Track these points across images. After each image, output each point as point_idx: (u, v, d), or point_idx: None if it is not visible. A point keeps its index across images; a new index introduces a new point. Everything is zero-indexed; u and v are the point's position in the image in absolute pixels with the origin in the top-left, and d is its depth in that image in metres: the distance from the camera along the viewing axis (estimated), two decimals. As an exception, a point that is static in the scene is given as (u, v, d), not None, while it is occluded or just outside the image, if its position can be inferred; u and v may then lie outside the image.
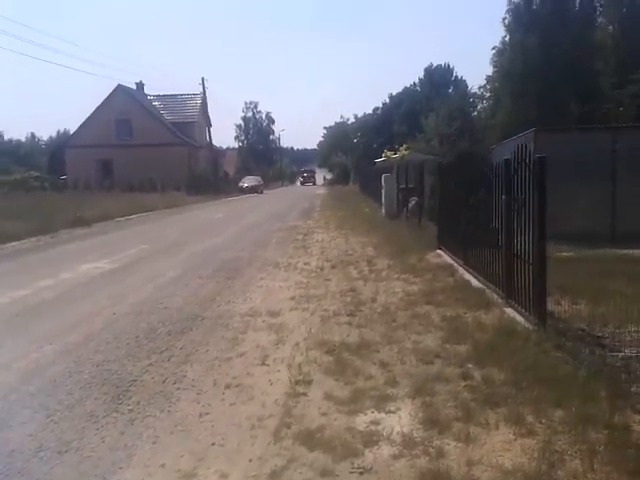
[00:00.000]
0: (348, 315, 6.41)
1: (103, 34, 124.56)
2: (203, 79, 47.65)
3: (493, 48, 40.64)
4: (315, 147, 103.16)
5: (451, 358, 4.86)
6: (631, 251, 8.93)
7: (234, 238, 14.19)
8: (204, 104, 51.92)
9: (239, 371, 4.78)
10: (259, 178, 55.57)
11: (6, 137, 76.90)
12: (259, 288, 8.16)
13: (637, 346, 4.80)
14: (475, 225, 8.06)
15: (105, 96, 47.75)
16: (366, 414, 3.87)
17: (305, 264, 10.06)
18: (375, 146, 64.12)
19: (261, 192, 50.15)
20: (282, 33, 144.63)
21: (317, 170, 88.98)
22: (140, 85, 52.09)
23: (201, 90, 48.51)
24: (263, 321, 6.33)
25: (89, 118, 47.91)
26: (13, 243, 13.14)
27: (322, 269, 9.47)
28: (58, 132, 78.09)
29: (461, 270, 8.62)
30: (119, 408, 4.08)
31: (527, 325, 5.62)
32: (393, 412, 3.89)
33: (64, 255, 11.71)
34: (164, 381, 4.59)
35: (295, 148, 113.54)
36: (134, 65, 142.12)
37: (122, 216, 20.16)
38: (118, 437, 3.66)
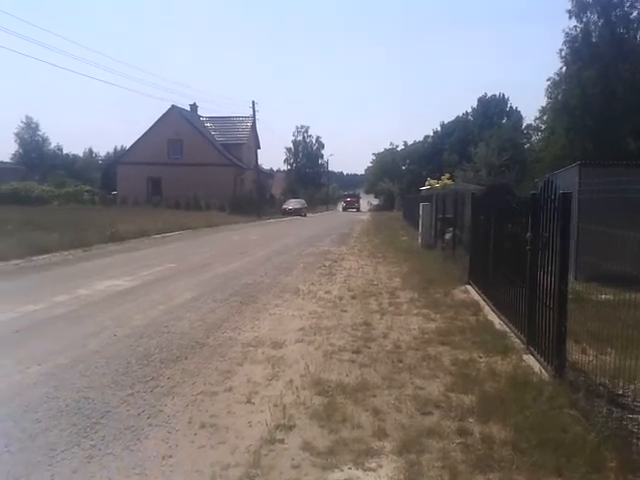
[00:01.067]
0: (354, 352, 6.01)
1: (165, 58, 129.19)
2: (254, 102, 48.36)
3: (548, 79, 39.81)
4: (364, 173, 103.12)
5: (452, 409, 4.40)
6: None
7: (261, 261, 13.97)
8: (254, 127, 52.80)
9: (220, 409, 4.45)
10: (303, 201, 55.68)
11: (65, 151, 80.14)
12: (270, 316, 7.85)
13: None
14: (502, 261, 7.54)
15: (159, 116, 49.31)
16: (342, 470, 3.47)
17: (326, 293, 9.70)
18: (424, 174, 63.56)
19: (304, 215, 50.18)
20: (335, 58, 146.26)
21: (363, 195, 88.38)
22: (194, 107, 53.50)
23: (251, 113, 49.12)
24: (263, 353, 6.01)
25: (143, 136, 49.44)
26: (44, 256, 13.30)
27: (341, 299, 9.09)
28: (115, 149, 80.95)
29: (487, 309, 8.08)
30: (82, 442, 3.81)
31: (544, 376, 5.10)
32: (372, 470, 3.47)
33: (89, 270, 11.72)
34: (139, 414, 4.30)
35: (345, 173, 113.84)
36: (190, 88, 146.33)
37: (159, 233, 20.34)
38: (69, 476, 3.38)
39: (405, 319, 7.65)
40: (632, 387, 4.77)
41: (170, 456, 3.66)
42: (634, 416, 4.16)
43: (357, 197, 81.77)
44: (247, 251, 16.20)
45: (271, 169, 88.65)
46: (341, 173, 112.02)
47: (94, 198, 44.01)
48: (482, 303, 8.48)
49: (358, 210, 73.41)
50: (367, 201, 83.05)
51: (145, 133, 49.24)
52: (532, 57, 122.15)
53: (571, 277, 9.89)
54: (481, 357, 5.84)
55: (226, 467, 3.50)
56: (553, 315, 5.11)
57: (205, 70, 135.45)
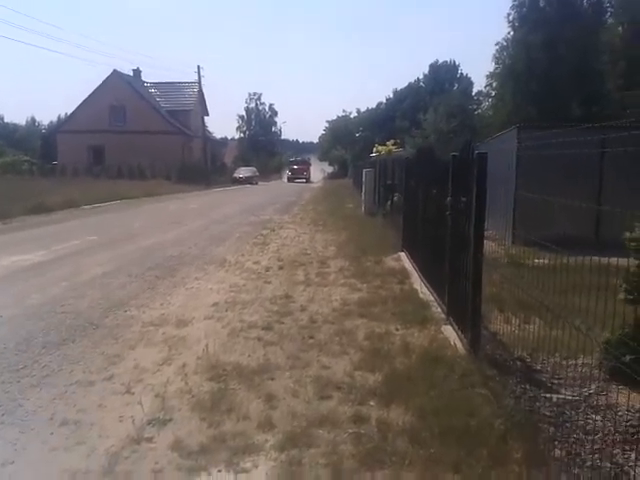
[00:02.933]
0: (264, 329, 5.53)
1: (108, 23, 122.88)
2: (199, 67, 46.59)
3: (496, 44, 39.56)
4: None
5: (354, 392, 3.97)
6: (615, 259, 8.03)
7: (194, 231, 13.29)
8: (200, 92, 50.95)
9: (92, 401, 3.90)
10: (254, 169, 54.58)
11: (6, 120, 76.07)
12: (186, 291, 7.28)
13: (579, 386, 3.89)
14: (427, 227, 7.16)
15: (100, 82, 46.97)
16: (210, 474, 3.00)
17: (254, 263, 9.18)
18: (376, 141, 63.06)
19: (256, 183, 49.22)
20: (286, 25, 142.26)
21: (316, 162, 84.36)
22: (137, 72, 51.16)
23: (196, 79, 47.38)
24: (163, 333, 5.46)
25: (83, 103, 47.03)
26: (-45, 229, 12.30)
27: (268, 270, 8.59)
28: (59, 117, 77.22)
29: (414, 277, 7.73)
30: None
31: (459, 350, 4.75)
32: (246, 471, 3.02)
33: (4, 244, 10.85)
34: (-7, 411, 3.72)
35: (300, 141, 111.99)
36: (135, 54, 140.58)
37: (90, 204, 19.28)
38: None
39: (329, 290, 7.22)
40: (552, 361, 4.47)
41: (12, 462, 3.12)
42: (549, 395, 3.82)
43: (307, 164, 64.10)
44: (182, 221, 15.45)
45: (225, 137, 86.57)
46: (296, 141, 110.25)
47: (32, 168, 41.88)
48: (411, 271, 8.13)
49: (308, 181, 58.08)
50: (321, 169, 79.92)
51: (85, 100, 46.80)
52: (482, 22, 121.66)
53: (508, 241, 9.71)
54: (398, 329, 5.45)
55: (73, 475, 2.98)
56: (469, 283, 4.73)
57: (151, 35, 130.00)
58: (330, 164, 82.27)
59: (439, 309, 6.03)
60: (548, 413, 3.55)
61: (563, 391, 3.88)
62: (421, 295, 6.64)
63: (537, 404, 3.69)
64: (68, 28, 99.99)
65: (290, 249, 10.68)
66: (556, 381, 4.09)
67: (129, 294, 7.02)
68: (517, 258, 7.12)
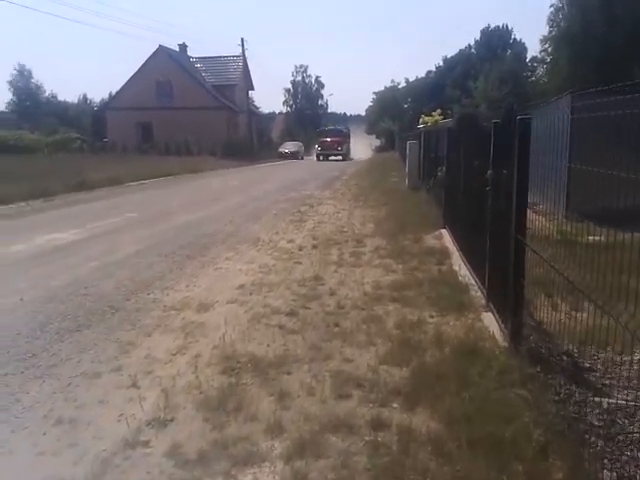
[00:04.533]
0: (287, 314, 5.18)
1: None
2: (242, 40, 46.27)
3: (551, 6, 37.34)
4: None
5: (376, 390, 3.58)
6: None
7: (232, 208, 13.05)
8: (245, 66, 50.57)
9: (93, 396, 3.65)
10: (300, 144, 54.05)
11: (60, 98, 77.78)
12: (214, 271, 7.01)
13: (635, 388, 3.37)
14: (469, 203, 6.60)
15: (146, 58, 47.24)
16: (204, 487, 2.68)
17: (288, 242, 8.83)
18: (424, 112, 61.33)
19: (301, 158, 48.85)
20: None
21: (361, 135, 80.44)
22: (183, 47, 51.18)
23: (241, 52, 47.00)
24: (183, 318, 5.19)
25: (130, 80, 47.47)
26: (-1, 207, 12.46)
27: (301, 249, 8.23)
28: (110, 94, 78.51)
29: (455, 257, 7.21)
30: None
31: (500, 341, 4.28)
32: (244, 485, 2.68)
33: (39, 223, 10.89)
34: (-10, 405, 3.52)
35: (348, 114, 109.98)
36: (181, 28, 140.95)
37: (135, 180, 19.35)
38: None
39: (362, 272, 6.80)
40: (604, 356, 3.94)
41: (-5, 468, 2.88)
42: (599, 399, 3.32)
43: (343, 136, 49.03)
44: (221, 197, 15.26)
45: (273, 112, 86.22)
46: (344, 114, 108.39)
47: (82, 146, 42.72)
48: (452, 250, 7.61)
49: (345, 158, 45.80)
50: (369, 143, 77.10)
51: (132, 76, 47.21)
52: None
53: (561, 215, 9.02)
54: (432, 317, 5.01)
55: (56, 485, 2.72)
56: (510, 269, 4.22)
57: (196, 9, 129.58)
58: (377, 137, 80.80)
59: (479, 293, 5.54)
60: (597, 422, 3.06)
61: (616, 394, 3.37)
62: (460, 278, 6.14)
63: (585, 410, 3.20)
64: (114, 4, 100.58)
65: (326, 227, 10.28)
66: (608, 382, 3.58)
67: (156, 275, 6.81)
68: (569, 235, 6.53)
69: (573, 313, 4.69)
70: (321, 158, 44.94)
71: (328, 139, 46.05)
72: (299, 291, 5.98)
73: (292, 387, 3.69)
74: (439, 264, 6.88)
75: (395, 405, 3.40)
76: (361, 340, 4.49)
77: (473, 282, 5.90)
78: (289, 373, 3.91)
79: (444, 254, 7.41)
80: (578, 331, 3.99)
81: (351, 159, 46.91)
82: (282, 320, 5.04)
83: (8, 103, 71.42)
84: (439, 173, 12.85)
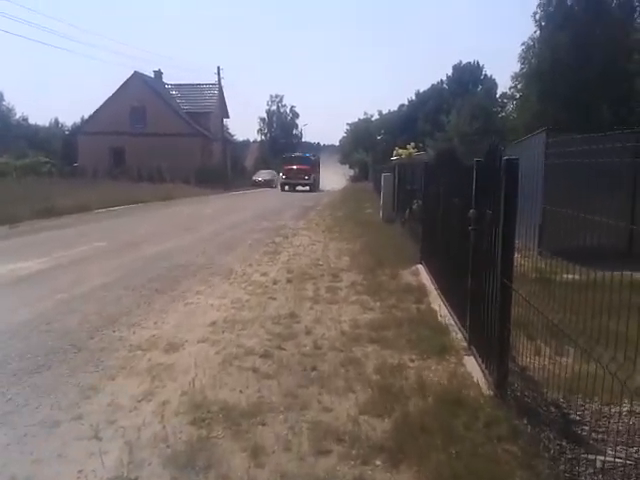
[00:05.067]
0: (262, 356, 4.94)
1: (127, 24, 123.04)
2: (219, 68, 46.41)
3: (522, 44, 38.50)
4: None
5: (358, 445, 3.35)
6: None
7: (205, 238, 12.77)
8: (221, 94, 50.64)
9: (50, 450, 3.34)
10: (274, 172, 54.08)
11: (31, 122, 76.60)
12: (184, 307, 6.73)
13: (626, 444, 3.22)
14: (448, 240, 6.50)
15: (121, 83, 46.96)
16: None
17: (262, 275, 8.60)
18: (397, 144, 62.08)
19: (275, 187, 48.76)
20: (307, 26, 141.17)
21: (338, 166, 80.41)
22: (158, 73, 51.12)
23: (217, 80, 47.15)
24: (150, 359, 4.90)
25: (103, 105, 47.05)
26: (-41, 234, 11.96)
27: (275, 283, 8.00)
28: (82, 119, 77.73)
29: (433, 295, 7.08)
30: None
31: (484, 389, 4.10)
32: None
33: (4, 250, 10.46)
34: None
35: (322, 144, 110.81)
36: (156, 55, 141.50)
37: (103, 207, 18.91)
38: None
39: (339, 309, 6.60)
40: (592, 407, 3.79)
41: None
42: (592, 457, 3.15)
43: (312, 164, 43.97)
44: (194, 227, 14.96)
45: (247, 140, 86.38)
46: (318, 144, 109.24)
47: (52, 170, 41.93)
48: (430, 287, 7.48)
49: (314, 189, 41.83)
50: (343, 173, 76.72)
51: (106, 101, 46.82)
52: (508, 22, 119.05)
53: (534, 252, 9.00)
54: (413, 360, 4.82)
55: None
56: (494, 313, 4.08)
57: (171, 38, 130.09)
58: (351, 167, 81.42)
59: (460, 335, 5.38)
60: (594, 484, 2.89)
61: (609, 451, 3.21)
62: (440, 318, 5.99)
63: (578, 469, 3.03)
64: (90, 29, 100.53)
65: (301, 259, 10.08)
66: (599, 435, 3.42)
67: (123, 310, 6.49)
68: (545, 272, 6.48)
69: (557, 358, 4.58)
70: (286, 188, 40.58)
71: (294, 167, 41.15)
72: (274, 330, 5.74)
73: (267, 441, 3.44)
74: (417, 302, 6.73)
75: (378, 462, 3.18)
76: (340, 386, 4.27)
77: (453, 323, 5.75)
78: (264, 424, 3.66)
79: (422, 292, 7.27)
80: (563, 378, 3.85)
81: (321, 190, 43.16)
82: (256, 362, 4.79)
83: (-22, 125, 70.13)
84: (414, 206, 12.85)
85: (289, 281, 8.14)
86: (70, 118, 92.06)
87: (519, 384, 4.21)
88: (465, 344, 5.11)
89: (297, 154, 48.50)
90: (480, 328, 4.62)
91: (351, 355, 4.96)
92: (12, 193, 20.09)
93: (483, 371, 4.40)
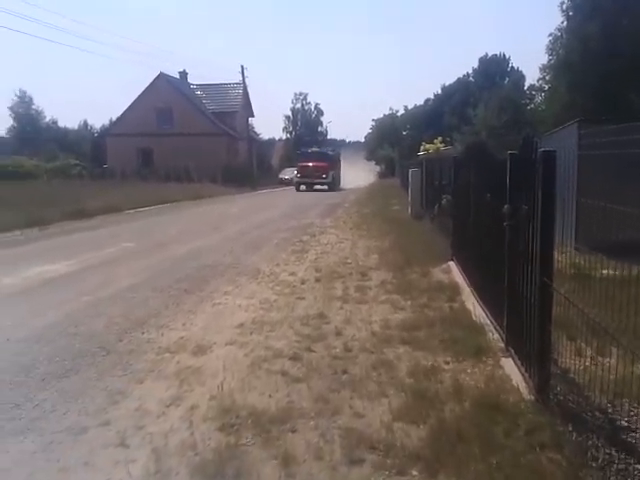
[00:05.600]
0: (291, 358, 4.82)
1: (153, 25, 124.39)
2: (243, 67, 46.56)
3: (549, 35, 37.66)
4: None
5: (393, 454, 3.20)
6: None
7: (232, 237, 12.74)
8: (245, 93, 50.88)
9: (76, 457, 3.27)
10: (299, 170, 53.90)
11: (60, 124, 77.96)
12: (212, 307, 6.66)
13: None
14: (481, 236, 6.29)
15: (147, 85, 47.46)
16: None
17: (290, 274, 8.49)
18: (424, 139, 61.41)
19: (301, 184, 48.66)
20: (331, 22, 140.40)
21: (364, 162, 79.29)
22: (183, 74, 51.57)
23: (241, 79, 47.31)
24: (178, 362, 4.82)
25: (130, 106, 47.66)
26: (-10, 237, 12.14)
27: (303, 282, 7.88)
28: (110, 120, 78.83)
29: (466, 293, 6.87)
30: None
31: (524, 393, 3.91)
32: None
33: (31, 253, 10.57)
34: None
35: (347, 140, 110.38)
36: (182, 56, 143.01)
37: (133, 208, 19.09)
38: None
39: (369, 308, 6.45)
40: (640, 411, 3.57)
41: None
42: (643, 467, 2.95)
43: (330, 160, 39.48)
44: (221, 226, 14.96)
45: (273, 138, 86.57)
46: (343, 140, 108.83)
47: (81, 172, 42.64)
48: (462, 285, 7.26)
49: (333, 187, 37.77)
50: (369, 169, 75.12)
51: (133, 103, 47.44)
52: (534, 13, 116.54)
53: (570, 247, 8.70)
54: (448, 363, 4.64)
55: None
56: (534, 314, 3.88)
57: (196, 37, 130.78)
58: (377, 163, 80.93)
59: (496, 335, 5.18)
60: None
61: (663, 461, 3.00)
62: (475, 317, 5.78)
63: (630, 481, 2.84)
64: (116, 31, 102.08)
65: (329, 257, 9.95)
66: (652, 444, 3.21)
67: (151, 311, 6.45)
68: (583, 268, 6.23)
69: (600, 359, 4.36)
70: (302, 188, 36.59)
71: (310, 164, 36.84)
72: (303, 331, 5.62)
73: (298, 449, 3.31)
74: (450, 301, 6.53)
75: (415, 473, 3.02)
76: (372, 390, 4.12)
77: (489, 322, 5.55)
78: (294, 431, 3.54)
79: (454, 290, 7.07)
80: (609, 381, 3.63)
81: (341, 189, 39.10)
82: (285, 365, 4.67)
83: (9, 129, 71.57)
84: (443, 201, 12.58)
85: (317, 280, 8.02)
86: (99, 120, 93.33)
87: (562, 388, 4.00)
88: (502, 345, 4.91)
89: (314, 149, 43.98)
90: (518, 328, 4.42)
91: (383, 357, 4.80)
92: (43, 195, 20.45)
93: (523, 374, 4.20)
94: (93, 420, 3.74)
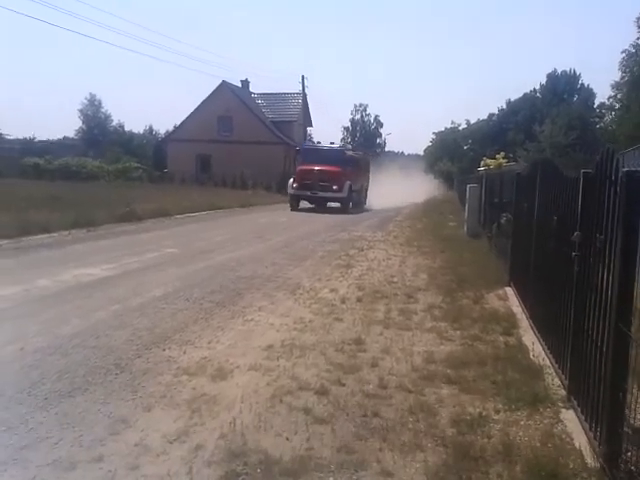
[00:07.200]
0: (317, 392, 4.28)
1: (218, 34, 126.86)
2: (303, 77, 46.65)
3: (623, 52, 35.89)
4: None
5: (422, 532, 2.61)
6: None
7: (276, 248, 12.33)
8: (305, 103, 50.93)
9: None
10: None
11: (127, 129, 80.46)
12: (243, 325, 6.20)
13: None
14: (544, 264, 5.58)
15: (210, 92, 48.24)
16: None
17: (330, 291, 7.97)
18: (486, 154, 59.61)
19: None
20: (393, 33, 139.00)
21: (422, 175, 75.41)
22: (245, 83, 52.17)
23: (301, 89, 47.37)
24: (193, 388, 4.36)
25: (193, 113, 48.52)
26: (40, 236, 12.13)
27: (344, 301, 7.34)
28: (174, 126, 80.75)
29: (524, 326, 6.14)
30: None
31: (588, 459, 3.25)
32: None
33: (73, 254, 10.43)
34: None
35: (406, 153, 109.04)
36: (244, 64, 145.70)
37: (182, 213, 19.01)
38: None
39: (412, 337, 5.83)
40: None
41: None
42: None
43: (348, 163, 25.25)
44: (266, 235, 14.57)
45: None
46: (401, 153, 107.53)
47: (142, 175, 43.70)
48: (520, 316, 6.53)
49: (346, 206, 24.76)
50: (427, 183, 70.64)
51: (195, 109, 48.30)
52: (605, 29, 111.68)
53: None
54: (498, 411, 3.98)
55: None
56: (605, 362, 3.21)
57: (258, 46, 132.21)
58: (435, 177, 79.32)
59: (557, 380, 4.48)
60: None
61: None
62: (533, 357, 5.07)
63: None
64: (181, 39, 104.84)
65: (375, 275, 9.36)
66: None
67: (178, 325, 6.05)
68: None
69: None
70: (296, 205, 24.56)
71: (315, 168, 23.80)
72: (335, 359, 5.08)
73: (308, 515, 2.77)
74: (505, 334, 5.83)
75: None
76: (406, 441, 3.52)
77: (549, 364, 4.84)
78: (308, 489, 3.00)
79: (511, 321, 6.35)
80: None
81: (366, 209, 27.40)
82: (309, 401, 4.13)
83: (77, 130, 74.42)
84: (503, 220, 11.76)
85: (359, 300, 7.45)
86: (163, 126, 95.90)
87: (634, 453, 3.30)
88: (564, 393, 4.22)
89: (320, 144, 29.53)
90: (584, 376, 3.73)
91: (422, 399, 4.19)
92: (99, 196, 20.79)
93: (587, 433, 3.52)
94: (85, 454, 3.31)
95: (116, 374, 4.61)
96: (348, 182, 24.41)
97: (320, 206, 24.76)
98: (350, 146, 30.36)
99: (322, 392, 4.28)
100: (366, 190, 29.87)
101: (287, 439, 3.54)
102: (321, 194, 24.07)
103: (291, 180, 25.34)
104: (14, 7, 68.11)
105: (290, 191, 25.06)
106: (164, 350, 5.25)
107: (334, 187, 23.69)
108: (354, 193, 25.87)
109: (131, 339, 5.52)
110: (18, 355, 4.94)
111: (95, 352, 5.10)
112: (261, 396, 4.21)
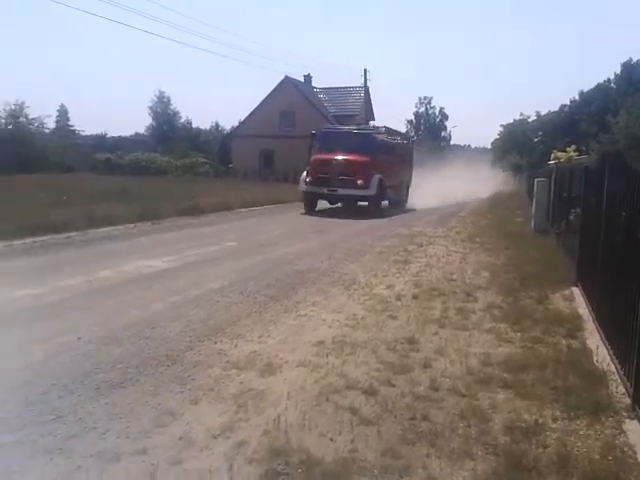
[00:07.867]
0: (365, 392, 4.17)
1: (278, 30, 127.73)
2: (365, 70, 46.30)
3: None
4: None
5: None
6: None
7: (333, 242, 12.25)
8: (367, 96, 50.55)
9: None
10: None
11: (194, 125, 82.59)
12: (295, 319, 6.16)
13: None
14: (612, 263, 5.22)
15: (273, 88, 48.73)
16: None
17: (386, 288, 7.82)
18: (556, 147, 57.22)
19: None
20: (457, 23, 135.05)
21: (489, 168, 71.32)
22: (308, 78, 52.33)
23: (363, 82, 47.03)
24: (241, 382, 4.36)
25: (256, 108, 49.14)
26: (106, 228, 12.58)
27: (399, 298, 7.17)
28: (239, 122, 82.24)
29: (590, 327, 5.79)
30: None
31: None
32: None
33: (137, 247, 10.74)
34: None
35: (473, 146, 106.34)
36: (306, 59, 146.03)
37: (245, 207, 19.28)
38: None
39: (468, 337, 5.61)
40: None
41: None
42: None
43: (376, 153, 18.65)
44: (325, 229, 14.52)
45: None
46: (468, 146, 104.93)
47: (208, 170, 44.80)
48: (586, 318, 6.16)
49: (377, 205, 18.90)
50: (494, 176, 67.34)
51: (258, 105, 48.92)
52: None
53: None
54: (556, 419, 3.75)
55: None
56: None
57: (322, 40, 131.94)
58: (503, 171, 76.95)
59: (622, 388, 4.18)
60: None
61: None
62: (597, 362, 4.76)
63: None
64: (244, 36, 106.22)
65: (433, 272, 9.11)
66: None
67: (232, 318, 6.09)
68: None
69: None
70: (312, 206, 19.18)
71: (334, 157, 18.58)
72: (386, 357, 4.95)
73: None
74: (569, 337, 5.51)
75: None
76: (455, 448, 3.37)
77: (614, 370, 4.53)
78: (345, 497, 2.90)
79: (576, 323, 6.00)
80: None
81: (411, 209, 22.77)
82: (357, 400, 4.03)
83: (147, 127, 76.97)
84: (572, 216, 11.20)
85: (415, 297, 7.26)
86: (229, 122, 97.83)
87: None
88: (628, 402, 3.92)
89: (341, 127, 25.15)
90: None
91: (476, 403, 4.01)
92: (165, 190, 21.41)
93: (655, 448, 3.25)
94: (130, 446, 3.34)
95: (167, 365, 4.67)
96: (377, 176, 18.58)
97: (347, 206, 19.45)
98: (384, 130, 22.58)
99: (370, 392, 4.17)
100: (408, 186, 24.46)
101: (331, 439, 3.46)
102: (341, 191, 18.29)
103: (304, 174, 19.31)
104: (87, 8, 71.09)
105: (302, 187, 19.22)
106: (216, 343, 5.28)
107: (359, 182, 18.04)
108: (389, 190, 20.14)
109: (185, 331, 5.59)
110: (75, 344, 5.09)
111: (149, 343, 5.19)
112: (308, 393, 4.15)
